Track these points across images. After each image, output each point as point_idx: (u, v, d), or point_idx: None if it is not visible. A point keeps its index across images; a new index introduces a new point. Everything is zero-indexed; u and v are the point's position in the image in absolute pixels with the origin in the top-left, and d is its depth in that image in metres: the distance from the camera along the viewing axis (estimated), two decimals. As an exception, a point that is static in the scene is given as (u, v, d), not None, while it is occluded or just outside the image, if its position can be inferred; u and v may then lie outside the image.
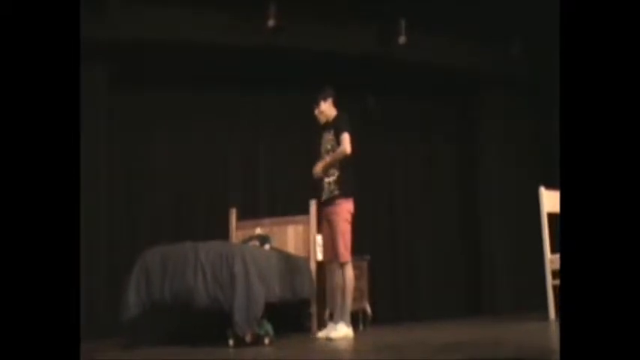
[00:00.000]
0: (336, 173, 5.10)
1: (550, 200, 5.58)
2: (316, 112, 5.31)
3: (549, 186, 5.65)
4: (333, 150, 5.12)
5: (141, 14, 6.29)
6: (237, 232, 6.34)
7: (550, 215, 5.54)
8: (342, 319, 5.05)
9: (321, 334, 5.11)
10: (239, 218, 6.42)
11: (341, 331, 4.95)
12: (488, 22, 6.95)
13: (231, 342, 4.43)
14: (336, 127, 5.16)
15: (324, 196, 5.17)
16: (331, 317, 5.39)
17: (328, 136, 5.20)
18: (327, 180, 5.13)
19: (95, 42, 5.63)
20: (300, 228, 6.14)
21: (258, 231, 6.07)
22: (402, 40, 6.72)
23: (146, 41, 6.35)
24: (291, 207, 6.33)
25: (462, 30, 7.12)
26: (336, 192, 5.08)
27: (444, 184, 8.22)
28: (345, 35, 6.91)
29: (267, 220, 6.32)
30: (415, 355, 3.54)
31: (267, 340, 4.50)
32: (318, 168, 5.13)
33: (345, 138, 5.03)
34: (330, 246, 5.16)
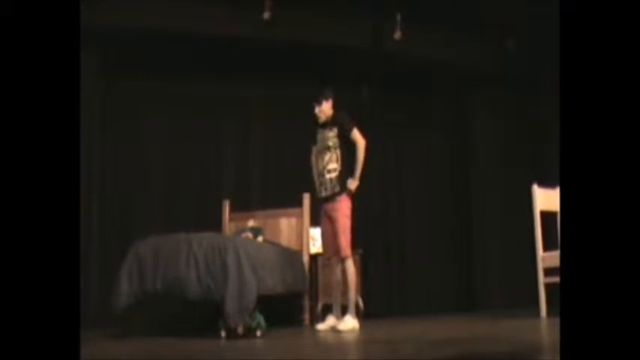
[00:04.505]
0: (338, 169, 5.15)
1: (543, 198, 5.60)
2: (317, 110, 5.31)
3: (542, 184, 5.67)
4: (336, 147, 5.18)
5: (136, 2, 6.27)
6: (230, 223, 6.35)
7: (542, 213, 5.57)
8: (348, 311, 5.12)
9: (321, 326, 5.15)
10: (232, 210, 6.42)
11: (349, 324, 5.02)
12: (484, 18, 6.96)
13: (223, 333, 4.43)
14: (340, 125, 5.22)
15: (325, 193, 5.21)
16: (324, 310, 5.42)
17: (329, 134, 5.23)
18: (328, 177, 5.18)
19: (89, 30, 5.60)
20: (294, 221, 6.16)
21: (251, 223, 6.07)
22: (397, 35, 6.71)
23: (140, 30, 6.34)
24: (285, 199, 6.34)
25: (458, 26, 7.13)
26: (338, 188, 5.14)
27: (437, 179, 8.24)
28: (340, 30, 6.90)
29: (260, 213, 6.33)
30: (407, 350, 3.55)
31: (259, 332, 4.50)
32: (353, 185, 5.15)
33: (356, 133, 5.16)
34: (331, 241, 5.21)
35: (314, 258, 6.23)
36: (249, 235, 5.76)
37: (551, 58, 4.82)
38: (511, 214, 7.56)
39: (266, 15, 6.26)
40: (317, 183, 5.31)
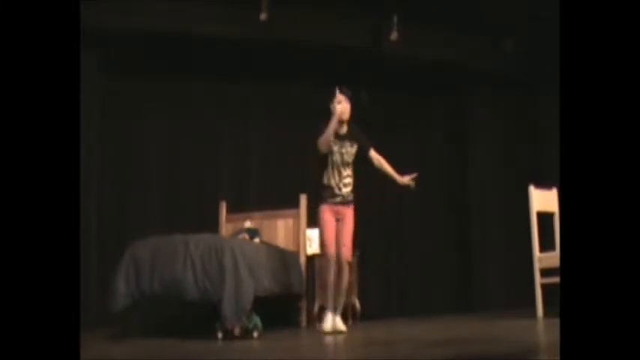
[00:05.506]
0: (352, 183, 5.29)
1: (539, 199, 5.60)
2: (344, 107, 5.18)
3: (541, 184, 5.67)
4: (353, 163, 5.27)
5: (136, 3, 6.26)
6: (226, 224, 6.34)
7: (539, 214, 5.57)
8: (337, 312, 5.10)
9: (326, 326, 5.10)
10: (229, 211, 6.41)
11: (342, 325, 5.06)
12: (484, 18, 6.96)
13: (219, 335, 4.43)
14: (359, 142, 5.29)
15: (339, 199, 5.20)
16: (320, 312, 5.43)
17: (352, 150, 5.25)
18: (345, 190, 5.22)
19: (89, 30, 5.59)
20: (290, 222, 6.14)
21: (248, 224, 6.06)
22: (394, 36, 6.70)
23: (140, 31, 6.33)
24: (282, 200, 6.33)
25: (458, 26, 7.13)
26: (351, 198, 5.25)
27: (436, 179, 8.22)
28: (339, 30, 6.89)
29: (257, 214, 6.31)
30: (404, 351, 3.55)
31: (255, 334, 4.50)
32: (407, 180, 5.42)
33: (373, 151, 5.36)
34: (337, 237, 5.19)
35: (311, 259, 6.22)
36: (246, 236, 5.76)
37: (551, 58, 4.82)
38: (510, 215, 7.56)
39: (262, 16, 6.23)
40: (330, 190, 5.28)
